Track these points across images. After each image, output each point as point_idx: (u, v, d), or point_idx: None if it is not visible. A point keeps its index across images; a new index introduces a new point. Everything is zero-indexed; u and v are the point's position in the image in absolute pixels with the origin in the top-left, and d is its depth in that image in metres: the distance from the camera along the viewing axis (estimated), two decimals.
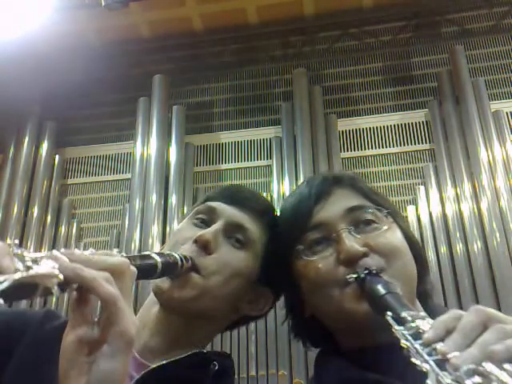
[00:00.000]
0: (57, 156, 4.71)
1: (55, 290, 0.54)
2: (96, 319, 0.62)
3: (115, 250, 0.71)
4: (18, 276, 0.49)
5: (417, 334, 0.62)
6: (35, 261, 0.54)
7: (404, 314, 0.67)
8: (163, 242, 4.03)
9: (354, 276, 0.84)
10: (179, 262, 0.85)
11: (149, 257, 0.79)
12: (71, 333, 0.61)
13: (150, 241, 3.98)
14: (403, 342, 0.62)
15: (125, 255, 0.71)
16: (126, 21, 4.69)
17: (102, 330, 0.61)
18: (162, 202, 4.18)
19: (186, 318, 0.92)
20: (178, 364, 0.88)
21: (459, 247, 3.66)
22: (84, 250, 0.65)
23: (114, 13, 3.94)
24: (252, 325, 3.56)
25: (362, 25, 4.78)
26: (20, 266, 0.52)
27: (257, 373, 3.57)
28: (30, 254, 0.55)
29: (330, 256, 0.89)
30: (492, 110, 4.04)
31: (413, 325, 0.64)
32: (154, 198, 4.16)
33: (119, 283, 0.62)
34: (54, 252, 0.58)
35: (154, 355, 0.90)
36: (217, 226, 0.96)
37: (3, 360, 0.84)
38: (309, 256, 0.91)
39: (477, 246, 3.61)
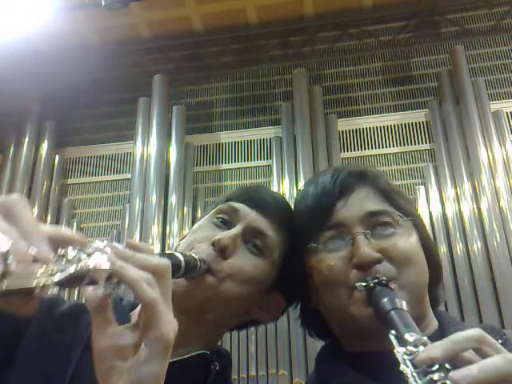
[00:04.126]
0: (57, 156, 4.71)
1: (102, 282, 0.57)
2: (132, 323, 0.63)
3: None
4: (73, 269, 0.53)
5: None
6: (87, 253, 0.57)
7: (407, 336, 0.67)
8: (163, 241, 4.03)
9: (364, 284, 0.86)
10: (198, 264, 0.86)
11: (174, 256, 0.79)
12: (103, 338, 0.61)
13: (150, 241, 3.98)
14: (402, 367, 0.62)
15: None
16: (126, 21, 4.69)
17: (140, 332, 0.61)
18: (162, 202, 4.18)
19: (195, 319, 0.92)
20: (179, 365, 0.88)
21: (459, 247, 3.66)
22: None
23: (114, 13, 3.95)
24: None
25: (362, 25, 4.78)
26: (73, 254, 0.55)
27: (257, 373, 3.57)
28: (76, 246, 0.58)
29: (344, 257, 0.90)
30: (492, 110, 4.04)
31: (414, 350, 0.64)
32: (153, 198, 4.16)
33: (160, 284, 0.62)
34: (104, 245, 0.60)
35: None
36: (236, 230, 0.94)
37: (9, 351, 0.83)
38: (323, 253, 0.93)
39: (477, 246, 3.61)
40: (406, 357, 0.63)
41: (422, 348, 0.63)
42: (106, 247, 0.60)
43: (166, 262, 0.66)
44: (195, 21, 4.81)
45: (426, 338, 0.66)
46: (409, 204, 1.01)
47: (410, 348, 0.64)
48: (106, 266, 0.57)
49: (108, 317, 0.62)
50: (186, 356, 0.89)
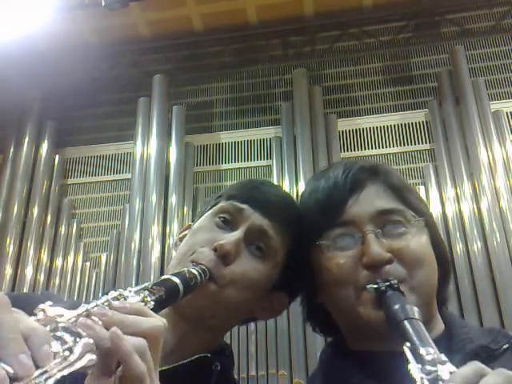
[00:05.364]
0: (57, 156, 4.70)
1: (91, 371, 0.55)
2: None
3: (146, 294, 0.69)
4: (59, 375, 0.48)
5: (435, 382, 0.60)
6: (70, 347, 0.52)
7: (422, 351, 0.65)
8: (163, 241, 4.03)
9: (374, 287, 0.84)
10: (199, 279, 0.83)
11: (170, 282, 0.77)
12: None
13: (150, 241, 3.98)
14: None
15: (149, 287, 0.70)
16: (126, 21, 4.68)
17: None
18: (162, 202, 4.18)
19: (196, 324, 0.91)
20: (181, 369, 0.87)
21: (459, 247, 3.66)
22: (109, 295, 0.63)
23: (114, 13, 3.94)
24: (252, 325, 3.56)
25: (362, 25, 4.77)
26: (58, 347, 0.50)
27: (257, 373, 3.57)
28: (62, 320, 0.54)
29: (354, 255, 0.88)
30: (492, 110, 4.04)
31: (432, 369, 0.61)
32: (153, 198, 4.15)
33: (151, 348, 0.60)
34: (88, 321, 0.56)
35: None
36: (239, 234, 0.92)
37: None
38: (331, 250, 0.90)
39: (477, 246, 3.61)
40: (423, 375, 0.61)
41: (439, 367, 0.61)
42: (92, 315, 0.57)
43: (159, 324, 0.63)
44: (195, 21, 4.81)
45: (443, 356, 0.64)
46: (421, 202, 0.98)
47: (428, 367, 0.62)
48: (94, 358, 0.53)
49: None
50: (186, 360, 0.88)
